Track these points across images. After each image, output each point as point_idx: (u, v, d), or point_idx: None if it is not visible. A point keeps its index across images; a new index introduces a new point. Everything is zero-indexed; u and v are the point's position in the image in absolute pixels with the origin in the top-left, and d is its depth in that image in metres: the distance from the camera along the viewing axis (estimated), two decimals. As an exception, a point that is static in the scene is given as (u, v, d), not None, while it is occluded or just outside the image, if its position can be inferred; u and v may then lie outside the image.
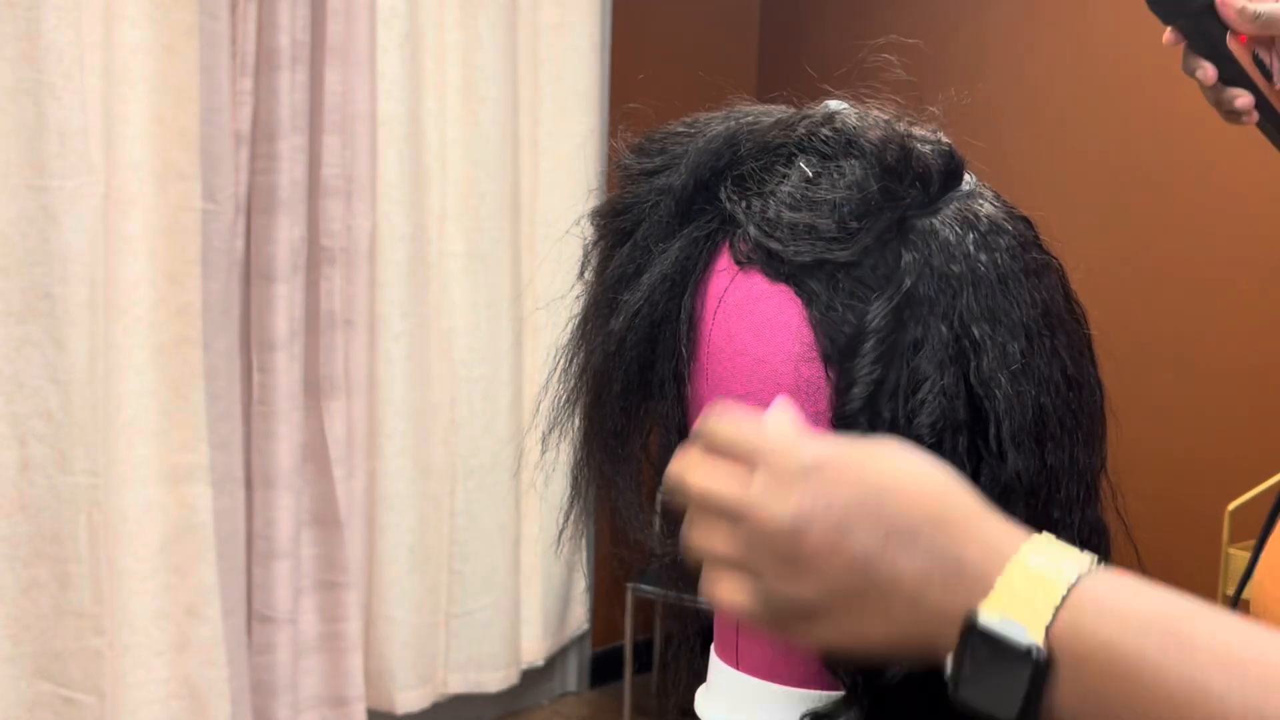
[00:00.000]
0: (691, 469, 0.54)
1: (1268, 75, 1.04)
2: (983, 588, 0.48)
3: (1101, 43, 2.81)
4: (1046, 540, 0.50)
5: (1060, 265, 0.64)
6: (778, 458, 0.51)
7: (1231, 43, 1.01)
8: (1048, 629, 0.47)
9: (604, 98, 3.26)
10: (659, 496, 0.70)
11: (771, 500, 0.51)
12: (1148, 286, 2.79)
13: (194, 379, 2.40)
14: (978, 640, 0.48)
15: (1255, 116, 1.04)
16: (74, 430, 2.21)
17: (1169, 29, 1.04)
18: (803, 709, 0.60)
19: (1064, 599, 0.47)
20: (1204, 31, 1.01)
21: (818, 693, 0.61)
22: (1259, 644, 0.46)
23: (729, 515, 0.52)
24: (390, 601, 2.85)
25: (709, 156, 0.63)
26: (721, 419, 0.54)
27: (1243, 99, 1.02)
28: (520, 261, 3.07)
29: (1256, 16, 0.98)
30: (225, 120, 2.42)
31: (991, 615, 0.47)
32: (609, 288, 0.66)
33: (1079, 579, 0.48)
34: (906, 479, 0.51)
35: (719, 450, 0.54)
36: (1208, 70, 1.02)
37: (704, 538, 0.53)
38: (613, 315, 0.64)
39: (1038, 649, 0.47)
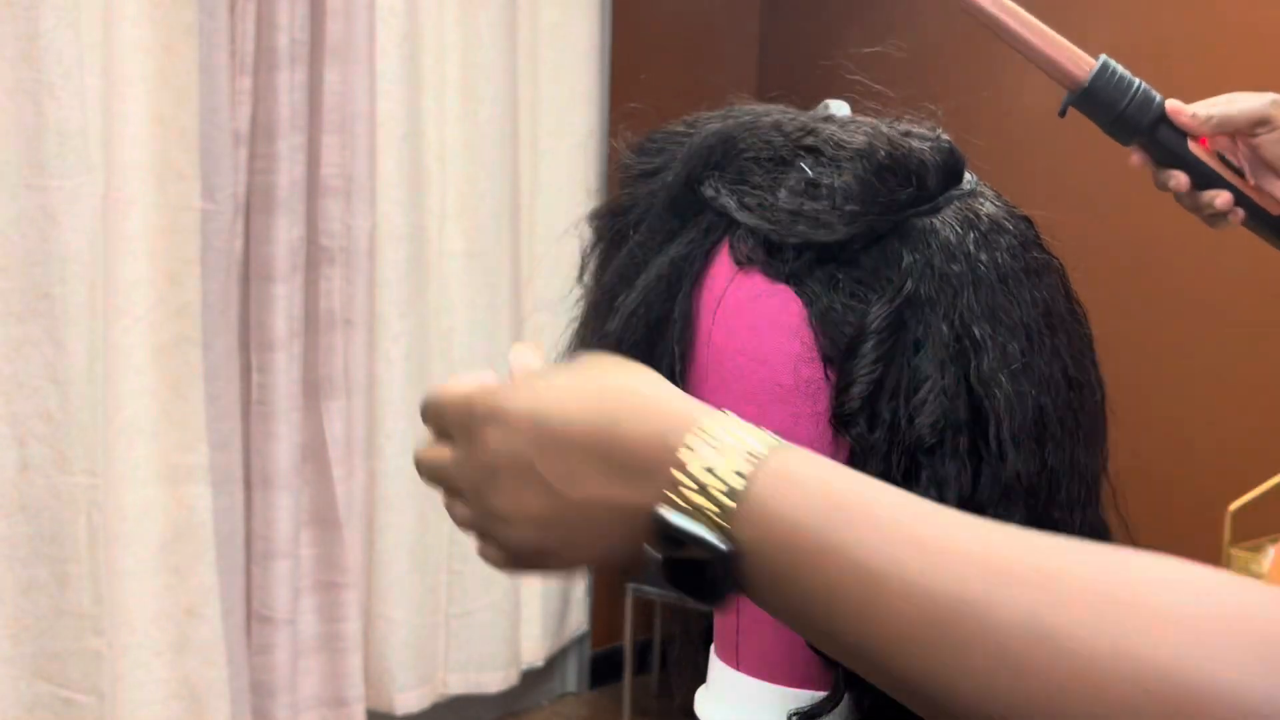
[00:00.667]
0: (420, 451, 0.56)
1: (1239, 173, 1.04)
2: (662, 482, 0.47)
3: (1102, 41, 2.80)
4: (723, 421, 0.48)
5: (1061, 265, 0.64)
6: (455, 423, 0.53)
7: (1194, 148, 1.01)
8: (729, 516, 0.46)
9: (604, 98, 3.26)
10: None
11: (457, 471, 0.53)
12: (1148, 286, 2.79)
13: (193, 379, 2.40)
14: (665, 539, 0.47)
15: (1240, 214, 1.03)
16: (73, 430, 2.21)
17: (1133, 152, 1.03)
18: (801, 708, 0.60)
19: (745, 484, 0.46)
20: (1163, 143, 1.01)
21: (817, 693, 0.61)
22: (951, 522, 0.45)
23: (446, 487, 0.55)
24: (390, 602, 2.85)
25: (702, 153, 0.63)
26: (429, 393, 0.56)
27: (1221, 198, 1.02)
28: (520, 261, 3.07)
29: (1209, 119, 0.98)
30: (224, 120, 2.42)
31: (671, 512, 0.47)
32: (607, 290, 0.66)
33: (760, 461, 0.47)
34: (574, 394, 0.51)
35: (431, 425, 0.56)
36: (1180, 178, 1.02)
37: (448, 508, 0.56)
38: (610, 317, 0.64)
39: (720, 540, 0.46)
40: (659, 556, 0.48)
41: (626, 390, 0.50)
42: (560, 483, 0.49)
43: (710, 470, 0.47)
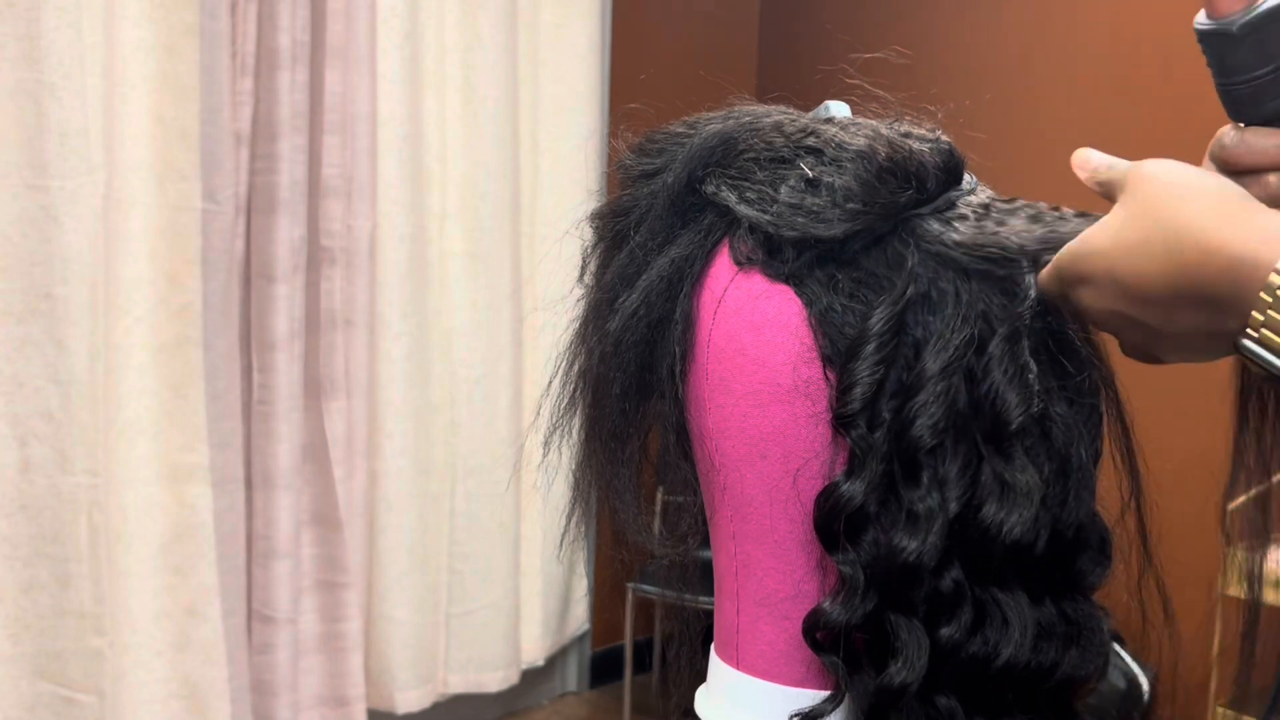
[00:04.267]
0: None
1: None
2: (1243, 312, 0.50)
3: (1102, 37, 2.81)
4: None
5: None
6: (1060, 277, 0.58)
7: None
8: None
9: (604, 98, 3.26)
10: (659, 497, 0.70)
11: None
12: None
13: (194, 379, 2.40)
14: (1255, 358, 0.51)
15: None
16: (74, 430, 2.21)
17: (1234, 130, 0.72)
18: (802, 708, 0.60)
19: None
20: None
21: (817, 692, 0.61)
22: None
23: None
24: (390, 601, 2.85)
25: (703, 153, 0.64)
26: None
27: None
28: (520, 261, 3.07)
29: None
30: (225, 120, 2.42)
31: (1253, 344, 0.51)
32: (608, 290, 0.66)
33: None
34: (1140, 258, 0.54)
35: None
36: None
37: None
38: (611, 317, 0.65)
39: None
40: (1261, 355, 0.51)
41: (1190, 238, 0.53)
42: (1158, 323, 0.55)
43: None
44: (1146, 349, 0.58)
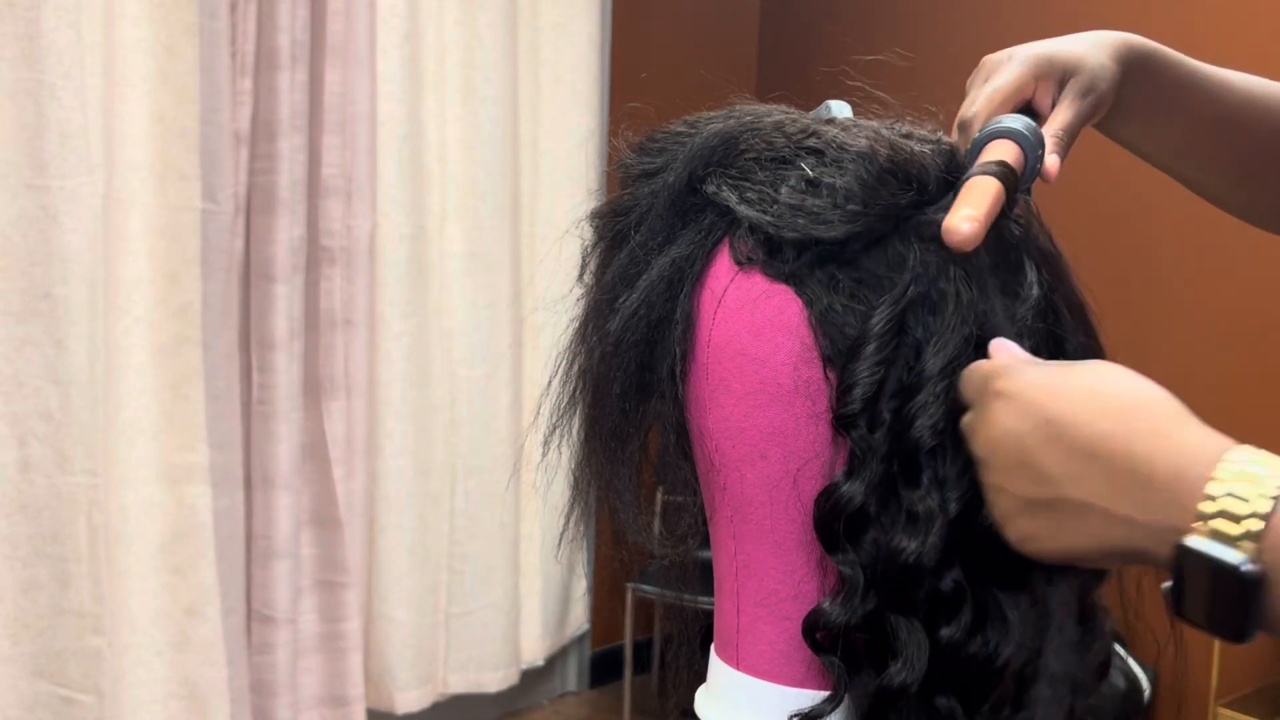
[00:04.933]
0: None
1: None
2: (1181, 505, 0.47)
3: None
4: (1245, 451, 0.48)
5: (1065, 261, 0.64)
6: (972, 392, 0.56)
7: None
8: (1259, 541, 0.45)
9: (604, 98, 3.26)
10: (659, 497, 0.70)
11: (970, 429, 0.55)
12: (1148, 284, 2.79)
13: (194, 379, 2.40)
14: (1190, 562, 0.47)
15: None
16: (74, 430, 2.21)
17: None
18: (802, 708, 0.60)
19: (1273, 505, 0.45)
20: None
21: (817, 693, 0.61)
22: None
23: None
24: (390, 601, 2.85)
25: (704, 153, 0.63)
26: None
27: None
28: (520, 261, 3.07)
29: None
30: (225, 120, 2.42)
31: (1196, 538, 0.47)
32: (608, 290, 0.66)
33: None
34: (1089, 398, 0.52)
35: (963, 391, 0.58)
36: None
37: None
38: (611, 317, 0.64)
39: (1247, 566, 0.45)
40: (1177, 583, 0.48)
41: (1144, 409, 0.51)
42: (1061, 478, 0.51)
43: (1235, 496, 0.46)
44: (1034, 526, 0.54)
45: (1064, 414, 0.51)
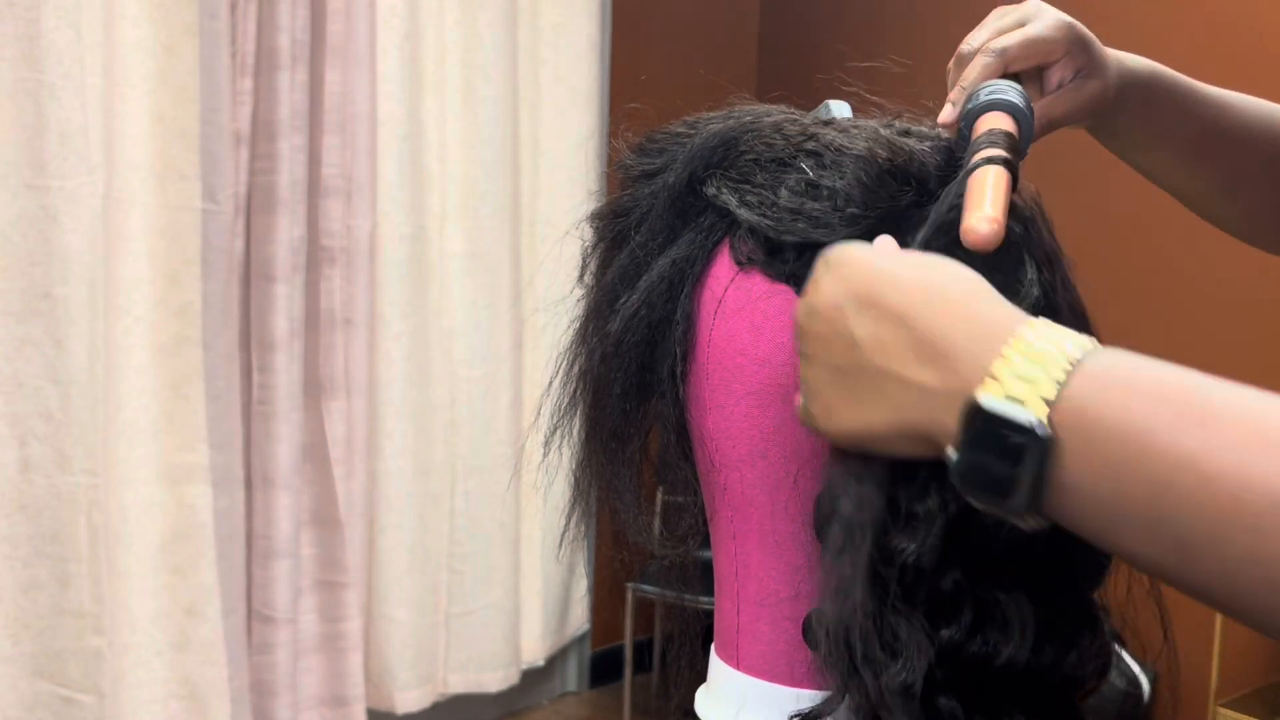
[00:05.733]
0: None
1: None
2: (977, 369, 0.47)
3: (1102, 33, 2.80)
4: (1044, 322, 0.48)
5: (1066, 259, 0.64)
6: (818, 266, 0.55)
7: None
8: (1051, 405, 0.45)
9: (604, 98, 3.26)
10: (659, 497, 0.70)
11: (800, 301, 0.55)
12: (1148, 284, 2.79)
13: (194, 379, 2.40)
14: (978, 424, 0.46)
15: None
16: (74, 430, 2.21)
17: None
18: (802, 709, 0.60)
19: (1067, 375, 0.45)
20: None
21: (817, 693, 0.61)
22: None
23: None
24: (390, 601, 2.85)
25: (704, 154, 0.63)
26: None
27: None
28: (520, 261, 3.07)
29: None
30: (225, 120, 2.42)
31: (990, 397, 0.46)
32: (608, 290, 0.66)
33: (1083, 356, 0.46)
34: (906, 269, 0.52)
35: None
36: None
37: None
38: (611, 318, 0.65)
39: (1041, 426, 0.44)
40: (954, 453, 0.47)
41: (959, 285, 0.50)
42: (866, 343, 0.51)
43: (1037, 361, 0.46)
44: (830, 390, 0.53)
45: (880, 284, 0.51)
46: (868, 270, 0.52)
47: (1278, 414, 0.42)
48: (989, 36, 0.73)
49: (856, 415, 0.52)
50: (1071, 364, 0.45)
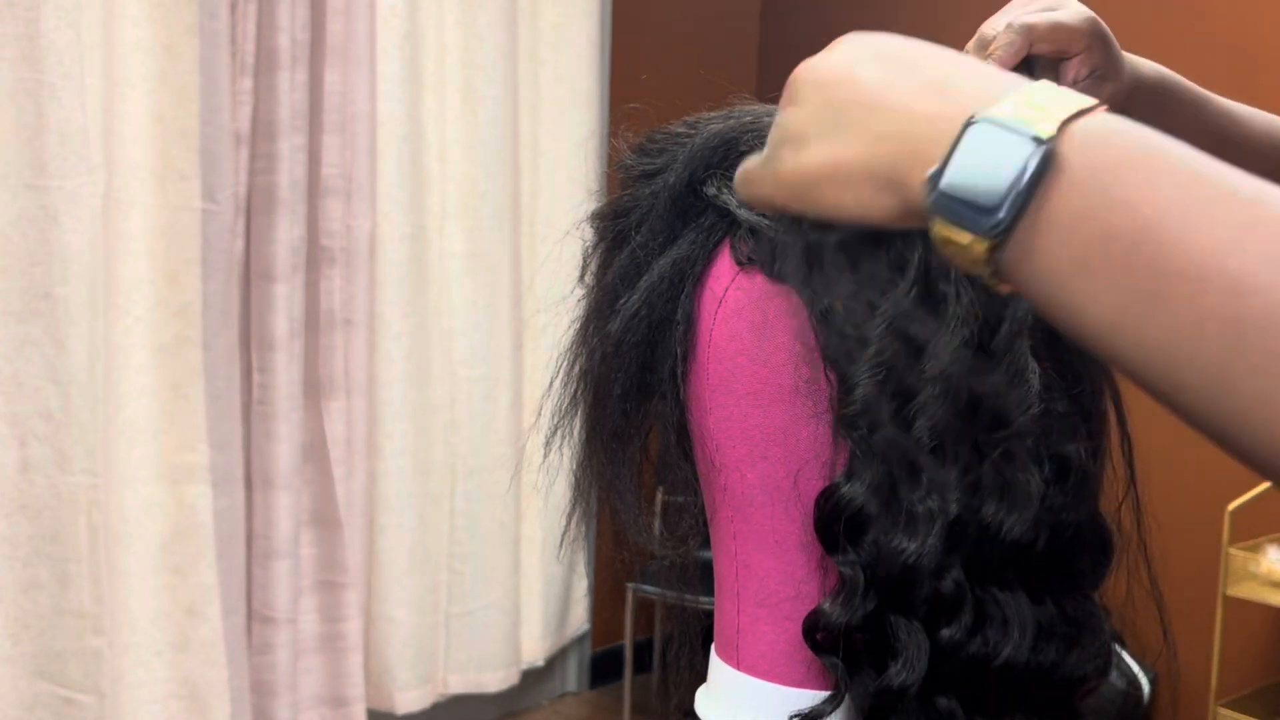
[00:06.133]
0: None
1: None
2: (986, 99, 0.45)
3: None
4: (1050, 84, 0.46)
5: None
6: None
7: None
8: (1062, 127, 0.43)
9: (604, 98, 3.26)
10: (659, 498, 0.70)
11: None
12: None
13: (194, 379, 2.40)
14: (978, 134, 0.44)
15: None
16: (74, 430, 2.21)
17: None
18: (802, 709, 0.60)
19: (1079, 113, 0.43)
20: None
21: (817, 693, 0.61)
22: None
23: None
24: (390, 601, 2.85)
25: (704, 154, 0.63)
26: None
27: None
28: (520, 261, 3.07)
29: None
30: (225, 120, 2.42)
31: (997, 110, 0.44)
32: (609, 290, 0.66)
33: (1092, 106, 0.44)
34: (922, 44, 0.51)
35: None
36: None
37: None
38: (612, 318, 0.65)
39: (1049, 137, 0.42)
40: (937, 170, 0.45)
41: (971, 61, 0.50)
42: (868, 82, 0.49)
43: (1045, 100, 0.44)
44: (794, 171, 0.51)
45: (898, 42, 0.51)
46: (887, 36, 0.52)
47: None
48: (1019, 17, 0.72)
49: (829, 149, 0.49)
50: (1084, 108, 0.44)
